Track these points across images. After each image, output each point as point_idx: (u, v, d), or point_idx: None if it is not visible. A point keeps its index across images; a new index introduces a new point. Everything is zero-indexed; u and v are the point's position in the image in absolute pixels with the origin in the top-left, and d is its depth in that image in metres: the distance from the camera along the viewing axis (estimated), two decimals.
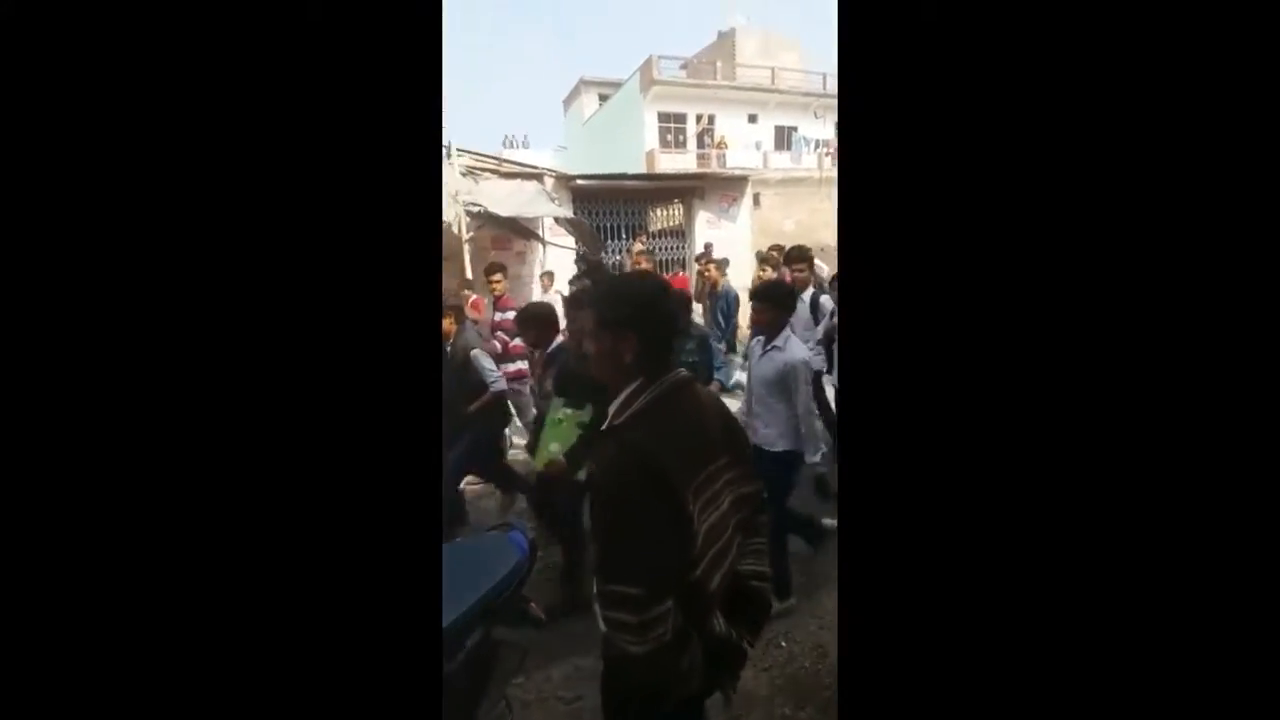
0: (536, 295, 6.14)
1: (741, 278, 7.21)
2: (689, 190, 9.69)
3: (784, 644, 2.08)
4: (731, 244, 9.35)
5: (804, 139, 16.49)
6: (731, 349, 4.85)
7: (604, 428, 1.01)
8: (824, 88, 17.08)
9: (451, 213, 5.81)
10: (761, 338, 2.21)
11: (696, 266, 6.07)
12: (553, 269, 6.09)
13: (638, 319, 0.97)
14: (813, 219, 11.11)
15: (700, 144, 16.08)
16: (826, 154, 15.57)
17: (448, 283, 4.71)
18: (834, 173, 17.49)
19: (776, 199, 11.09)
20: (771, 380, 2.11)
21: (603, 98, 19.40)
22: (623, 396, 0.99)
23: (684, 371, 1.03)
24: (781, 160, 15.79)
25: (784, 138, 17.16)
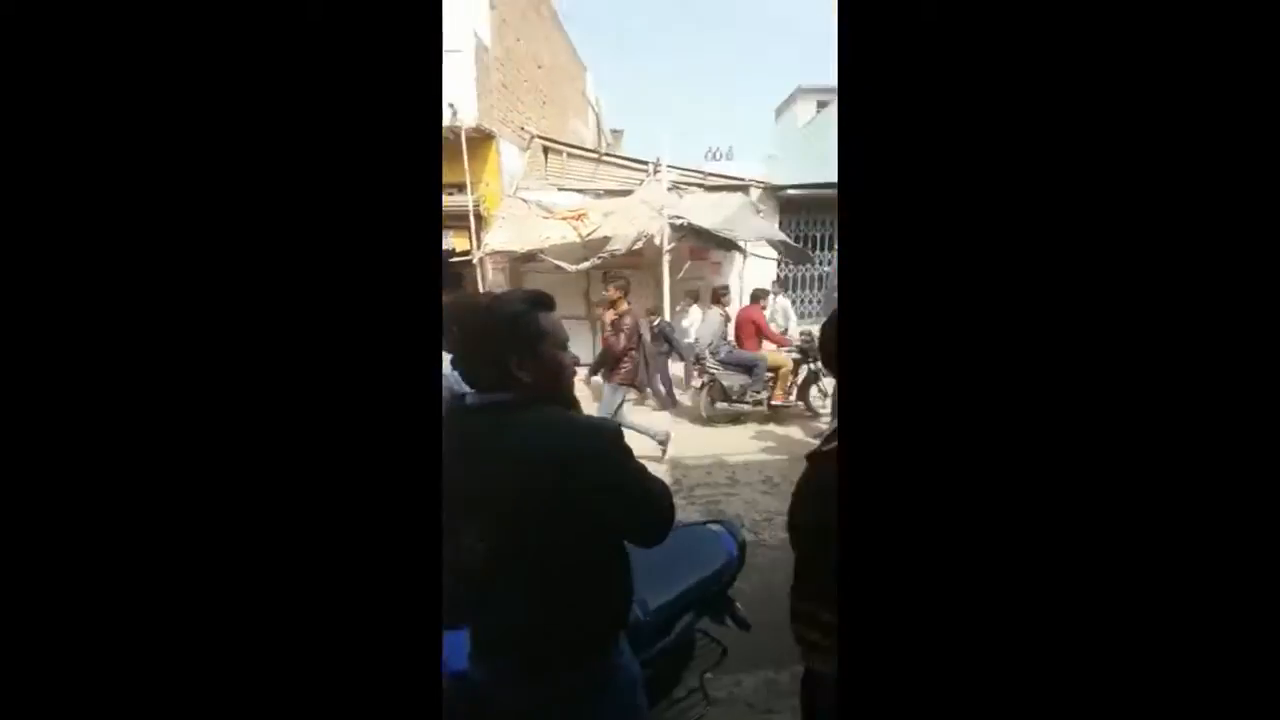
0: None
1: None
2: None
3: None
4: None
5: None
6: None
7: (813, 454, 1.07)
8: None
9: (655, 226, 6.24)
10: None
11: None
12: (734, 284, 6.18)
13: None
14: None
15: None
16: None
17: (645, 292, 5.14)
18: None
19: None
20: None
21: (821, 105, 18.94)
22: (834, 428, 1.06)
23: None
24: None
25: None
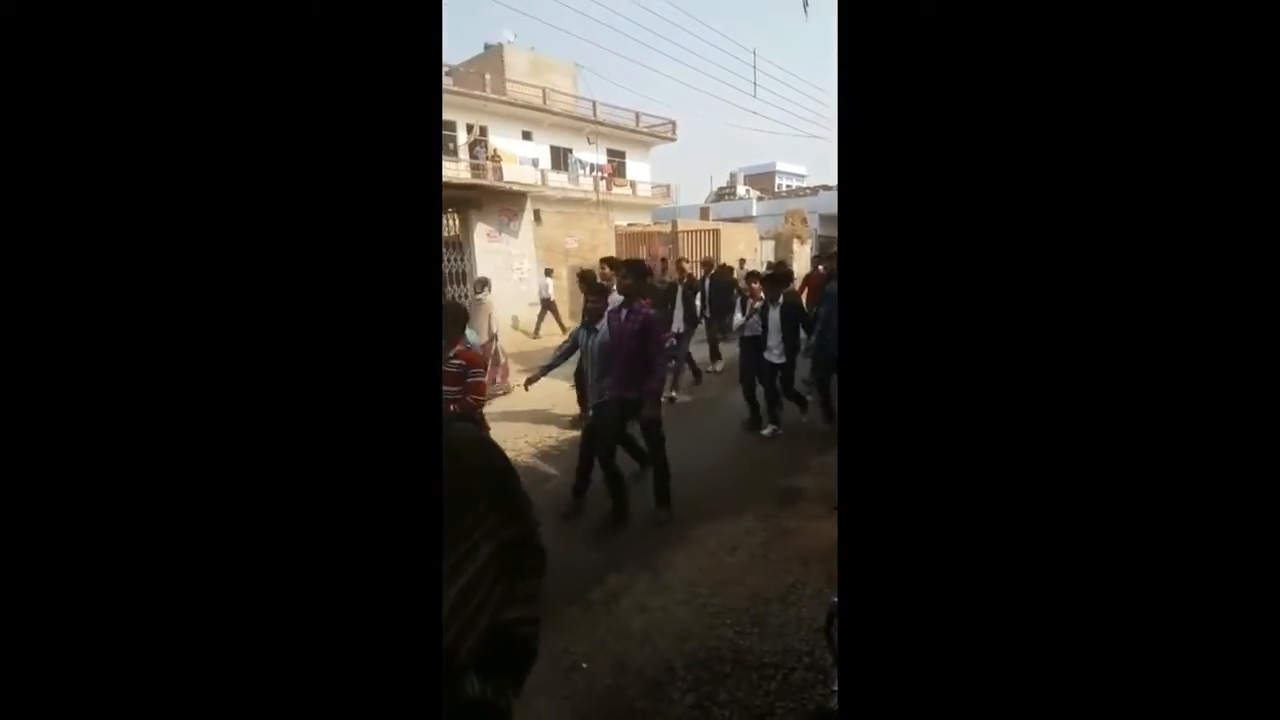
0: None
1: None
2: (463, 201, 9.63)
3: (585, 665, 2.12)
4: (519, 259, 10.08)
5: (580, 162, 17.82)
6: None
7: None
8: (594, 114, 18.52)
9: None
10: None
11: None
12: None
13: None
14: (594, 239, 12.23)
15: (473, 155, 16.02)
16: (602, 178, 17.03)
17: None
18: (610, 196, 17.29)
19: (558, 217, 11.95)
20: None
21: None
22: None
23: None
24: (558, 180, 16.77)
25: (560, 158, 18.18)
